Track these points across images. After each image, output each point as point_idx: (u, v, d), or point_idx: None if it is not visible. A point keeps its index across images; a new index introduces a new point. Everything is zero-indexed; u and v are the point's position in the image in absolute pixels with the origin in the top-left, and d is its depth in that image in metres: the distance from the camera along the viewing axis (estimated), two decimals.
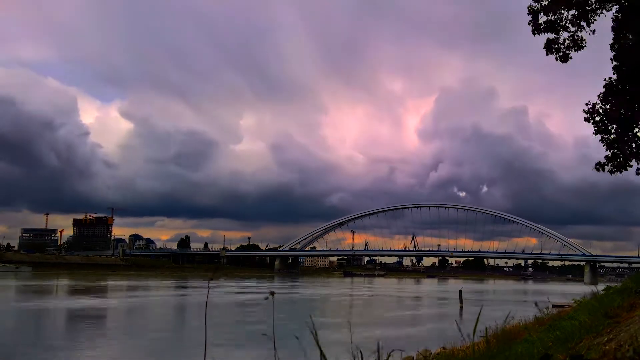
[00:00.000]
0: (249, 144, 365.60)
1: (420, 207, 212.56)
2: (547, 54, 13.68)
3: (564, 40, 13.43)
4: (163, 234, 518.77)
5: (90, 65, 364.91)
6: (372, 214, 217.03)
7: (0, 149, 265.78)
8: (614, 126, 13.90)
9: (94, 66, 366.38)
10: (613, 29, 13.30)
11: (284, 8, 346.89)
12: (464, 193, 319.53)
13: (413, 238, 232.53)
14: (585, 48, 13.53)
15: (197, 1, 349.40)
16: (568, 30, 13.27)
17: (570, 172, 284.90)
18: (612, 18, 13.09)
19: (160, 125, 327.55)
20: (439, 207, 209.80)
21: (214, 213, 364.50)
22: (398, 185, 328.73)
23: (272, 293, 5.26)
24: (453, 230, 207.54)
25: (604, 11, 12.99)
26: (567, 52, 13.54)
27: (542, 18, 13.26)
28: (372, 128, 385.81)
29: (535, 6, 13.21)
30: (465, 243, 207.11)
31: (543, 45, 13.64)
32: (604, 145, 14.19)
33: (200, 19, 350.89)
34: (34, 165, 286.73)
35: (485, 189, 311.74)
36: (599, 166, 14.39)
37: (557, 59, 13.71)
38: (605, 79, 13.82)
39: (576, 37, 13.34)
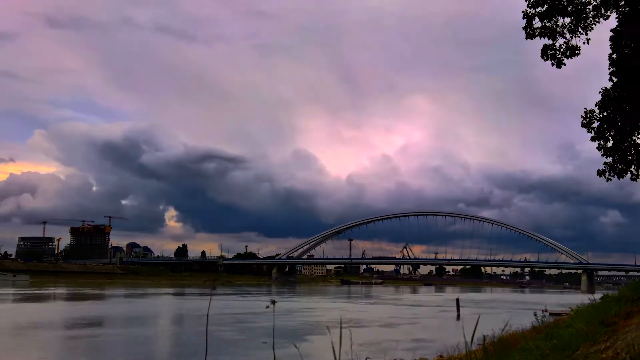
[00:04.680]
0: None
1: (417, 215, 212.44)
2: (544, 60, 13.76)
3: (560, 46, 13.52)
4: None
5: None
6: (369, 222, 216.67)
7: None
8: (612, 133, 13.96)
9: None
10: (611, 37, 13.40)
11: None
12: None
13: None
14: (579, 55, 13.63)
15: None
16: (564, 36, 13.37)
17: None
18: (615, 24, 13.20)
19: None
20: (436, 215, 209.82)
21: None
22: None
23: (273, 302, 5.32)
24: (450, 238, 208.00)
25: (601, 19, 13.09)
26: (562, 58, 13.63)
27: (537, 24, 13.35)
28: None
29: (530, 12, 13.30)
30: (463, 251, 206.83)
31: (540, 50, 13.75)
32: (602, 153, 14.21)
33: None
34: None
35: None
36: (601, 174, 14.49)
37: (552, 64, 13.82)
38: (602, 87, 13.93)
39: (571, 44, 13.42)
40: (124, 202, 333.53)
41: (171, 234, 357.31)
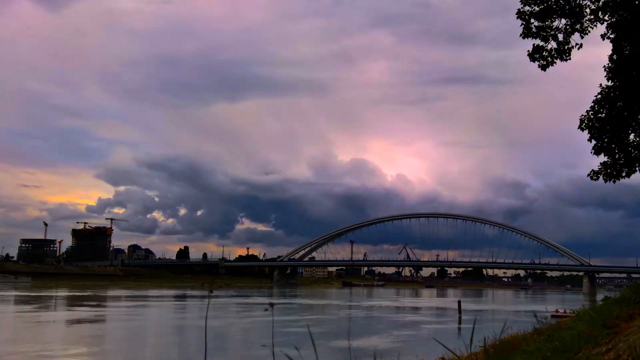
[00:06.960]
0: None
1: (419, 217, 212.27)
2: (531, 60, 13.68)
3: (551, 48, 13.45)
4: None
5: None
6: (371, 224, 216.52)
7: None
8: (607, 134, 13.87)
9: None
10: (611, 39, 13.34)
11: None
12: None
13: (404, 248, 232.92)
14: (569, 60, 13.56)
15: None
16: (557, 39, 13.30)
17: None
18: (609, 27, 13.13)
19: None
20: (437, 217, 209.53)
21: None
22: None
23: (272, 304, 5.31)
24: (451, 240, 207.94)
25: (597, 23, 13.04)
26: (552, 60, 13.55)
27: (534, 23, 13.27)
28: None
29: (526, 10, 13.23)
30: (464, 253, 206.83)
31: (528, 51, 13.66)
32: (593, 153, 14.07)
33: None
34: None
35: None
36: (594, 174, 14.31)
37: (539, 66, 13.73)
38: (600, 86, 13.86)
39: (564, 47, 13.35)
40: (198, 212, 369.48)
41: (241, 239, 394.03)
